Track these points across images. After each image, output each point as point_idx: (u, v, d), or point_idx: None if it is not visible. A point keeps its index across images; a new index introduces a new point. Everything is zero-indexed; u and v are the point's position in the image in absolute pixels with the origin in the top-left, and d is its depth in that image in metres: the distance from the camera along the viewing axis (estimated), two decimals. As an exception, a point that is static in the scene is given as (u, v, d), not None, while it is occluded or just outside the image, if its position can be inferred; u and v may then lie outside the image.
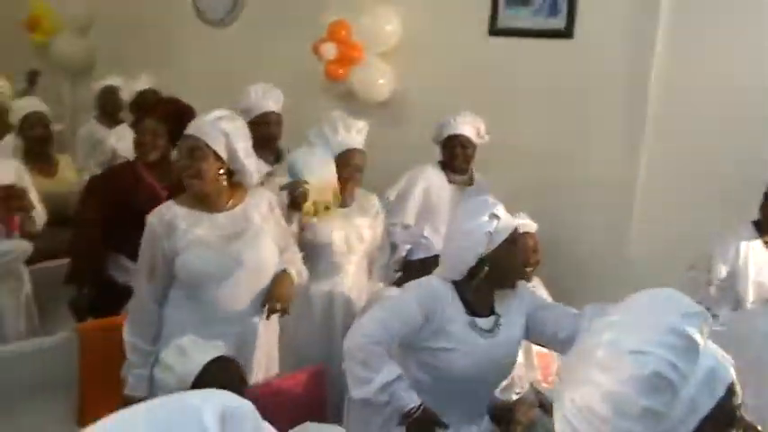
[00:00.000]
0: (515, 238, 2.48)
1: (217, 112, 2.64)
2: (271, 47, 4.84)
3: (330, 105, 4.49)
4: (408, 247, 3.99)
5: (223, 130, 2.60)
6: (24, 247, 3.54)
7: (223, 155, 2.61)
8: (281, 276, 2.76)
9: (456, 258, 2.44)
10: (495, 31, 4.31)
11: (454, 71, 4.44)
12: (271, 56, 4.82)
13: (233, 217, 2.68)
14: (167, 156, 3.46)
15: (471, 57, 4.38)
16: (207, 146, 2.56)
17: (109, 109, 4.94)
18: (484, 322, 2.46)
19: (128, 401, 2.46)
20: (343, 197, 3.30)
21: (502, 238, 2.41)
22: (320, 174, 3.16)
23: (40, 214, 3.69)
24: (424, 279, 2.54)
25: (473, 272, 2.43)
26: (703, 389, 1.16)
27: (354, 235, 3.29)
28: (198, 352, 2.31)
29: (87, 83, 5.23)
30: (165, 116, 3.51)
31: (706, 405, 1.15)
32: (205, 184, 2.59)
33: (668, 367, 1.12)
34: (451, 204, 3.86)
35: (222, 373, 2.26)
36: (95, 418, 2.59)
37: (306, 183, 3.10)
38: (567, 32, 4.07)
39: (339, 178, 3.22)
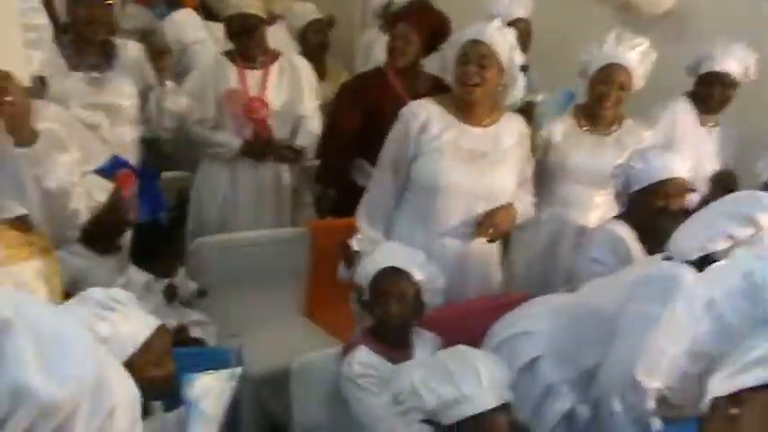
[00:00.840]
0: None
1: (496, 22, 2.64)
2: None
3: (603, 17, 4.19)
4: None
5: (510, 42, 2.62)
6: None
7: (505, 67, 2.62)
8: (504, 206, 2.72)
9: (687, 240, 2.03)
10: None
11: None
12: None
13: (484, 135, 2.69)
14: (417, 64, 3.46)
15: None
16: (495, 54, 2.57)
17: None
18: None
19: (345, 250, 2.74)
20: (596, 120, 3.10)
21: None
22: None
23: None
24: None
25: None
26: None
27: (600, 167, 3.02)
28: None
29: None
30: (419, 23, 3.51)
31: None
32: (485, 94, 2.62)
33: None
34: (693, 147, 3.43)
35: None
36: (320, 310, 2.82)
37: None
38: None
39: (594, 96, 3.05)
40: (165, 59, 3.21)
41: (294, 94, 3.59)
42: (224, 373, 1.83)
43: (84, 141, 2.24)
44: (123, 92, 3.17)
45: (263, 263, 3.26)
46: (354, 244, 2.76)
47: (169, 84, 3.22)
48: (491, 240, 2.71)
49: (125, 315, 1.75)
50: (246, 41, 3.49)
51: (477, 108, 2.67)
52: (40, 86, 2.97)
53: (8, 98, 1.87)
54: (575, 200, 3.12)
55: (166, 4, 4.97)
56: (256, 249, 3.28)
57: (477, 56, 2.59)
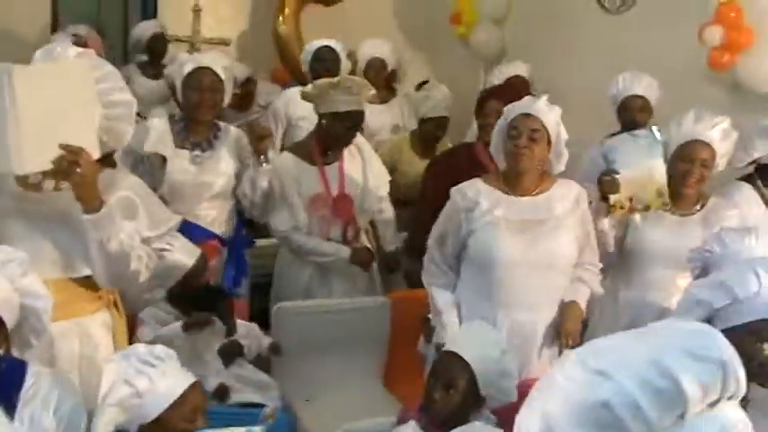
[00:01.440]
0: None
1: (544, 98, 2.73)
2: (659, 33, 4.58)
3: (713, 96, 4.13)
4: None
5: (557, 117, 2.71)
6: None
7: (552, 140, 2.70)
8: (571, 309, 2.73)
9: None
10: None
11: None
12: (658, 42, 4.57)
13: (535, 204, 2.72)
14: None
15: None
16: (545, 128, 2.66)
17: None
18: None
19: (438, 349, 2.65)
20: (679, 200, 3.01)
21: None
22: (640, 165, 2.93)
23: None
24: None
25: None
26: None
27: (684, 249, 2.90)
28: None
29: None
30: (511, 100, 3.62)
31: None
32: (533, 165, 2.68)
33: (627, 405, 0.87)
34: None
35: None
36: (398, 380, 2.90)
37: (616, 172, 2.92)
38: None
39: (676, 174, 2.97)
40: (265, 142, 3.38)
41: (365, 177, 3.61)
42: (239, 430, 1.96)
43: (154, 210, 2.44)
44: (220, 170, 3.41)
45: (343, 330, 3.37)
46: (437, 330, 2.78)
47: (266, 166, 3.40)
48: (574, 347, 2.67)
49: (163, 371, 1.92)
50: (349, 138, 3.49)
51: (525, 179, 2.72)
52: (160, 163, 3.35)
53: (78, 170, 2.10)
54: (656, 283, 3.02)
55: (298, 82, 5.25)
56: (338, 317, 3.39)
57: (527, 129, 2.66)
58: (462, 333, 2.38)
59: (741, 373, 0.91)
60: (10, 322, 1.85)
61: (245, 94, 5.37)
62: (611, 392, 0.88)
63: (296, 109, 4.30)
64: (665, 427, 0.88)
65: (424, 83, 5.22)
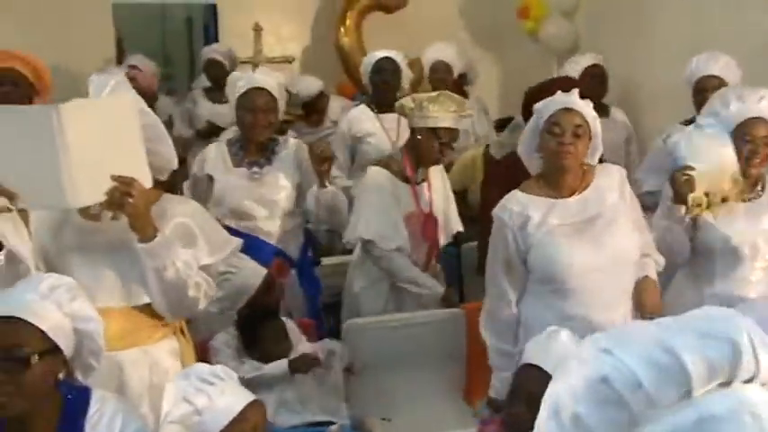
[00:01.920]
0: None
1: (575, 90, 2.67)
2: (741, 13, 4.37)
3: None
4: None
5: (593, 111, 2.67)
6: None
7: (592, 136, 2.67)
8: (645, 284, 2.68)
9: None
10: None
11: None
12: (740, 23, 4.37)
13: (585, 200, 2.67)
14: None
15: None
16: (586, 122, 2.61)
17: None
18: None
19: (491, 405, 2.73)
20: (748, 185, 2.90)
21: None
22: (710, 156, 2.79)
23: None
24: None
25: None
26: None
27: (762, 237, 2.85)
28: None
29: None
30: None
31: None
32: (577, 163, 2.63)
33: (626, 380, 0.86)
34: None
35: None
36: (479, 394, 2.84)
37: (690, 169, 2.77)
38: None
39: (740, 159, 2.83)
40: (326, 165, 3.36)
41: (447, 198, 3.60)
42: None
43: (212, 236, 2.46)
44: (278, 185, 3.44)
45: (418, 344, 3.33)
46: (495, 386, 2.76)
47: (330, 188, 3.40)
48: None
49: (222, 389, 1.96)
50: (441, 155, 3.42)
51: (569, 178, 2.67)
52: (208, 183, 3.43)
53: (130, 200, 2.16)
54: (741, 275, 2.90)
55: (363, 94, 5.33)
56: (411, 331, 3.35)
57: (571, 125, 2.60)
58: (540, 344, 2.32)
59: (764, 356, 0.87)
60: (67, 349, 1.88)
61: (317, 110, 5.39)
62: (611, 367, 0.87)
63: (360, 126, 4.33)
64: (668, 405, 0.86)
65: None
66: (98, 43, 5.75)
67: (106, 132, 2.16)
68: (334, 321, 3.63)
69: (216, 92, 5.46)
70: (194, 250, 2.34)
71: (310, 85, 5.42)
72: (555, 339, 2.24)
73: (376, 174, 3.44)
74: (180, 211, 2.38)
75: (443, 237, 3.58)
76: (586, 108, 2.64)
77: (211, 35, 6.38)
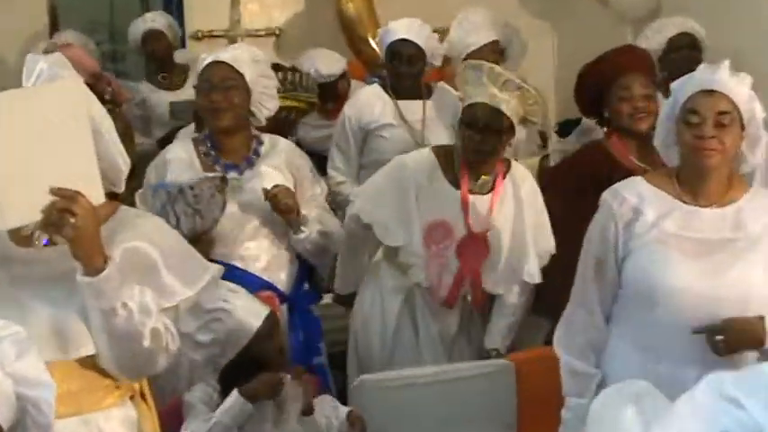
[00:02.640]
0: None
1: (726, 64, 2.67)
2: None
3: None
4: None
5: (748, 89, 2.64)
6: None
7: (746, 124, 2.64)
8: (752, 320, 2.63)
9: None
10: None
11: None
12: None
13: (722, 218, 2.67)
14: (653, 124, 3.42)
15: None
16: (736, 107, 2.61)
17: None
18: None
19: None
20: None
21: None
22: None
23: None
24: None
25: None
26: None
27: None
28: None
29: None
30: (650, 70, 3.70)
31: None
32: (723, 161, 2.63)
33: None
34: None
35: None
36: None
37: None
38: None
39: None
40: (290, 216, 3.47)
41: (521, 225, 3.55)
42: None
43: (183, 262, 2.42)
44: (262, 196, 3.44)
45: (451, 405, 3.35)
46: (568, 419, 2.79)
47: (305, 231, 3.48)
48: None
49: None
50: (483, 149, 3.42)
51: (711, 181, 2.67)
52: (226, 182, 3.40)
53: (72, 220, 2.10)
54: None
55: (378, 77, 5.29)
56: (442, 387, 3.37)
57: (713, 111, 2.59)
58: (601, 410, 2.18)
59: None
60: (5, 421, 1.87)
61: (336, 97, 5.35)
62: (735, 422, 0.92)
63: (373, 114, 4.34)
64: None
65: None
66: (24, 15, 5.76)
67: (44, 132, 2.14)
68: (342, 378, 3.68)
69: (167, 77, 5.49)
70: (157, 284, 2.31)
71: (330, 63, 5.41)
72: (619, 411, 2.16)
73: (416, 156, 3.56)
74: (136, 233, 2.34)
75: (526, 270, 3.56)
76: (738, 87, 2.62)
77: (173, 2, 6.44)
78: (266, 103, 3.57)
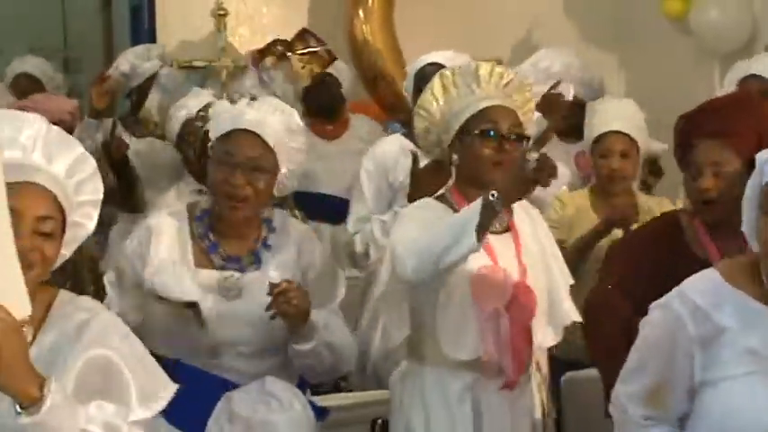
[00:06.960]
0: None
1: None
2: None
3: None
4: None
5: None
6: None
7: None
8: None
9: None
10: None
11: None
12: None
13: None
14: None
15: None
16: None
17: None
18: None
19: None
20: None
21: None
22: None
23: None
24: None
25: None
26: None
27: None
28: None
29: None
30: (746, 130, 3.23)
31: None
32: None
33: None
34: None
35: None
36: None
37: None
38: None
39: None
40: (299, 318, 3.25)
41: (542, 253, 3.42)
42: None
43: (144, 376, 2.30)
44: (264, 303, 3.18)
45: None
46: None
47: (311, 343, 3.21)
48: None
49: None
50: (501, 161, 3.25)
51: None
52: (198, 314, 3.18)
53: None
54: None
55: (400, 123, 5.38)
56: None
57: None
58: None
59: None
60: None
61: (336, 112, 5.46)
62: None
63: (403, 172, 4.16)
64: None
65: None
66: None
67: None
68: None
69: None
70: (120, 400, 2.23)
71: (338, 71, 5.54)
72: None
73: (424, 203, 3.39)
74: (106, 340, 2.24)
75: (564, 310, 3.43)
76: None
77: (142, 29, 6.35)
78: (291, 180, 3.38)
